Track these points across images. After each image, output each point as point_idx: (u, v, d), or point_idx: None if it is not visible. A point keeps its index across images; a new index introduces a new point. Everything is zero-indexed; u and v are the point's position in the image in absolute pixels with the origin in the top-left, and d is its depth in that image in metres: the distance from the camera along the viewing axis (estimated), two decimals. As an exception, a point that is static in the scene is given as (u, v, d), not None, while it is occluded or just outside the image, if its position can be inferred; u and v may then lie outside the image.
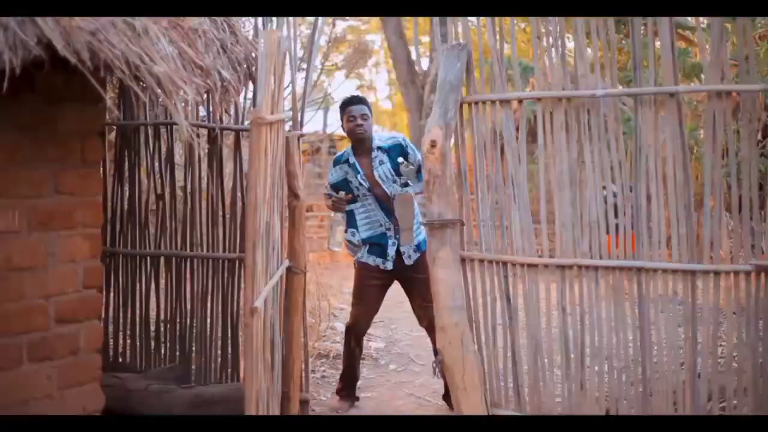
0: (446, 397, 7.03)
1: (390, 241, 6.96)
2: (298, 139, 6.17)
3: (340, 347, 9.02)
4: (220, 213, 6.76)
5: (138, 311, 7.01)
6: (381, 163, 6.93)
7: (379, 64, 26.60)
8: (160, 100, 6.47)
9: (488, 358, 5.88)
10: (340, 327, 9.95)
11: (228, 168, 7.13)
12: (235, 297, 6.76)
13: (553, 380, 5.77)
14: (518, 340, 5.81)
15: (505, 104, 5.68)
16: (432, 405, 7.30)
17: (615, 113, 5.48)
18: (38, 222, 4.85)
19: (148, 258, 6.94)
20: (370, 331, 10.09)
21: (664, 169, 5.32)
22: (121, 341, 7.02)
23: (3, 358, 4.67)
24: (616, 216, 5.48)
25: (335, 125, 18.91)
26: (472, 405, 5.69)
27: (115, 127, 7.06)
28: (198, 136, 6.63)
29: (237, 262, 6.68)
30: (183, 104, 4.32)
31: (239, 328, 6.82)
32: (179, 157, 7.17)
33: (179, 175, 6.99)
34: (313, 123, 19.99)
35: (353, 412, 7.09)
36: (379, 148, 6.94)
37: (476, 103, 5.77)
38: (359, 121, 6.89)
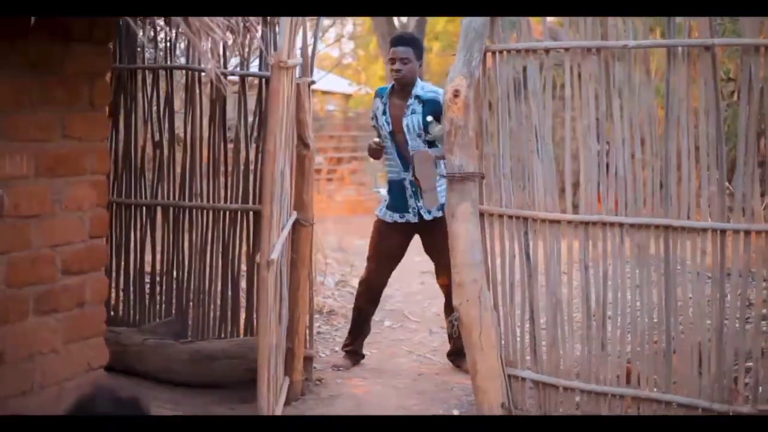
0: (451, 355, 6.93)
1: (408, 192, 6.66)
2: (309, 86, 5.94)
3: (332, 303, 8.86)
4: (222, 162, 6.51)
5: (132, 263, 6.78)
6: (413, 112, 6.56)
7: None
8: (182, 39, 6.29)
9: (505, 316, 5.72)
10: (329, 283, 9.78)
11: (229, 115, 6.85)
12: (237, 249, 6.55)
13: (573, 340, 5.62)
14: (537, 299, 5.65)
15: (531, 53, 5.48)
16: (435, 363, 7.16)
17: (646, 65, 5.29)
18: (45, 167, 4.63)
19: (144, 208, 6.71)
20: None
21: (696, 125, 5.15)
22: (114, 294, 6.77)
23: (10, 310, 4.47)
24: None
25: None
26: (488, 364, 5.57)
27: (110, 71, 6.78)
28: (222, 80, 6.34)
29: (239, 212, 6.46)
30: (211, 44, 4.05)
31: (239, 281, 6.62)
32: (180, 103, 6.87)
33: (178, 122, 6.72)
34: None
35: (356, 370, 6.90)
36: (417, 96, 6.57)
37: (501, 51, 5.56)
38: (398, 65, 6.53)
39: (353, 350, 7.03)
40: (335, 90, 24.36)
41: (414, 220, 6.67)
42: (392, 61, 6.54)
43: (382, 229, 6.80)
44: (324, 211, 16.30)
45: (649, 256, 5.33)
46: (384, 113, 6.64)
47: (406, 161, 6.54)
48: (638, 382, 5.39)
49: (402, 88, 6.59)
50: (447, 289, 6.40)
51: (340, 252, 11.82)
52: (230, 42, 5.69)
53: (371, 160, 7.13)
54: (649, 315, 5.38)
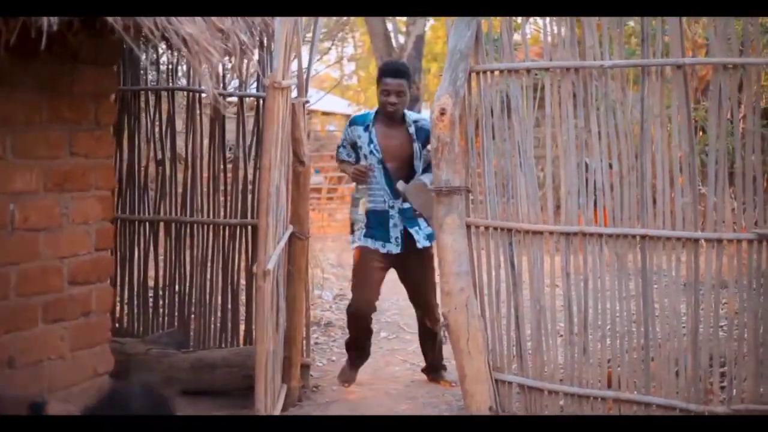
0: (425, 370, 7.13)
1: (392, 222, 6.55)
2: (304, 106, 6.21)
3: (330, 315, 9.12)
4: (222, 178, 6.78)
5: (136, 276, 7.03)
6: (417, 138, 6.52)
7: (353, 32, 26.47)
8: (174, 65, 6.56)
9: (491, 323, 5.98)
10: (327, 296, 10.04)
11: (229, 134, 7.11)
12: (236, 262, 6.81)
13: (556, 346, 5.86)
14: (522, 307, 5.91)
15: (513, 73, 5.76)
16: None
17: (622, 84, 5.56)
18: (54, 183, 4.90)
19: (147, 223, 6.97)
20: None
21: (669, 140, 5.42)
22: (119, 306, 7.02)
23: (20, 318, 4.72)
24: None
25: (314, 100, 18.99)
26: (475, 369, 5.82)
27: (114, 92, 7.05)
28: (221, 100, 6.57)
29: (238, 227, 6.73)
30: (209, 67, 4.32)
31: (239, 293, 6.87)
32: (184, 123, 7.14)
33: (180, 141, 7.00)
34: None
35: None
36: (415, 122, 6.56)
37: (485, 72, 5.84)
38: (393, 98, 6.46)
39: (355, 368, 7.00)
40: (336, 111, 24.65)
41: (396, 250, 6.58)
42: (386, 93, 6.45)
43: (364, 257, 6.62)
44: (324, 230, 16.57)
45: (628, 265, 5.58)
46: (369, 143, 6.54)
47: (395, 190, 6.48)
48: (619, 385, 5.64)
49: (390, 116, 6.53)
50: (424, 319, 6.91)
51: (339, 268, 12.09)
52: (228, 65, 5.99)
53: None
54: (629, 321, 5.64)
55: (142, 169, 6.97)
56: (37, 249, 4.82)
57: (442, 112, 5.66)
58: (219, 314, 6.89)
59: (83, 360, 5.14)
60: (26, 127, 4.72)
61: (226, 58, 4.79)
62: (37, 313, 4.85)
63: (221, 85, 6.65)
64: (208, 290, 6.88)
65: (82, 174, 5.08)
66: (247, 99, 6.87)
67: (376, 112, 6.62)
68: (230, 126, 6.95)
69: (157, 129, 6.93)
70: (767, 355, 5.33)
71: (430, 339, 6.97)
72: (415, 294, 6.83)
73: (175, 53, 6.62)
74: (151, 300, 7.08)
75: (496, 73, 5.83)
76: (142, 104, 6.91)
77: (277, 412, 5.77)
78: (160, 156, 6.93)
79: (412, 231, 6.54)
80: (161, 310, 7.03)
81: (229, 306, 6.87)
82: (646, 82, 5.44)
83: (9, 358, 4.65)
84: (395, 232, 6.55)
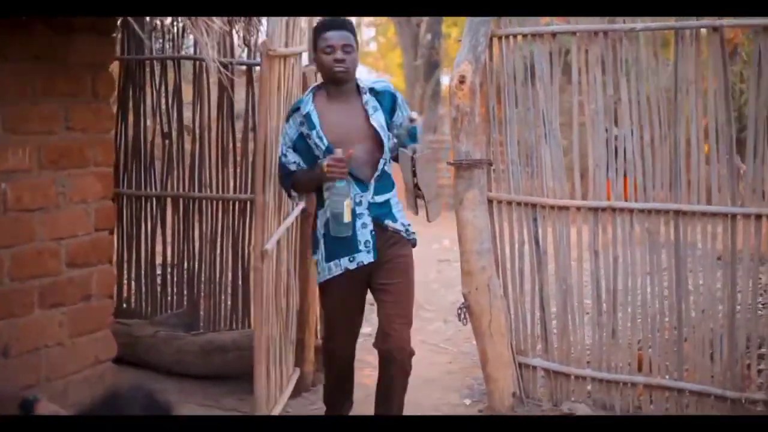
0: None
1: (359, 222, 4.78)
2: (316, 75, 5.91)
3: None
4: (231, 152, 6.52)
5: (143, 254, 6.80)
6: (375, 109, 4.84)
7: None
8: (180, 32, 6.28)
9: (515, 304, 5.72)
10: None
11: (239, 105, 6.85)
12: (246, 239, 6.55)
13: (583, 327, 5.60)
14: (547, 286, 5.63)
15: (538, 38, 5.46)
16: (447, 352, 7.16)
17: (654, 48, 5.25)
18: (49, 160, 4.69)
19: (154, 199, 6.72)
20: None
21: (704, 108, 5.11)
22: (125, 286, 6.81)
23: (15, 303, 4.52)
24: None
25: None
26: (497, 352, 5.57)
27: (118, 63, 6.77)
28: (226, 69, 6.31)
29: (248, 203, 6.46)
30: (208, 34, 4.05)
31: (250, 272, 6.61)
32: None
33: (187, 112, 6.73)
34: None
35: (369, 360, 6.88)
36: (371, 90, 4.88)
37: (507, 36, 5.54)
38: (339, 54, 4.74)
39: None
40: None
41: (368, 259, 4.81)
42: (330, 49, 4.75)
43: (332, 291, 4.96)
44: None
45: (660, 241, 5.29)
46: (312, 129, 4.78)
47: (360, 180, 4.78)
48: (650, 369, 5.36)
49: (337, 87, 4.84)
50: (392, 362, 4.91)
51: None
52: (235, 32, 5.71)
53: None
54: (660, 301, 5.36)
55: (148, 142, 6.72)
56: (32, 230, 4.61)
57: (462, 80, 5.38)
58: (230, 294, 6.66)
59: (84, 347, 4.94)
60: (18, 99, 4.50)
61: (228, 25, 4.52)
62: (34, 298, 4.65)
63: (229, 53, 6.35)
64: (218, 268, 6.64)
65: (79, 150, 4.86)
66: (256, 68, 6.57)
67: (315, 88, 4.95)
68: (239, 96, 6.67)
69: (163, 100, 6.68)
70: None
71: (388, 393, 5.01)
72: (385, 312, 4.89)
73: (181, 21, 6.36)
74: (158, 279, 6.85)
75: (519, 37, 5.55)
76: (147, 74, 6.64)
77: (284, 398, 5.56)
78: (166, 129, 6.68)
79: (386, 222, 4.85)
80: (169, 290, 6.81)
81: (240, 285, 6.62)
82: (680, 46, 5.13)
83: (4, 347, 4.46)
84: (364, 235, 4.80)
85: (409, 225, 4.92)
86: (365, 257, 4.81)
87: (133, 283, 6.84)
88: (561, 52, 5.51)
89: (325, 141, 4.74)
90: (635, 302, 5.39)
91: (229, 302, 6.66)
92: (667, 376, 5.33)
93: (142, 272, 6.81)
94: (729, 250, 5.10)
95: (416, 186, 4.78)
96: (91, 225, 4.95)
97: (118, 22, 5.56)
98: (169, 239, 6.80)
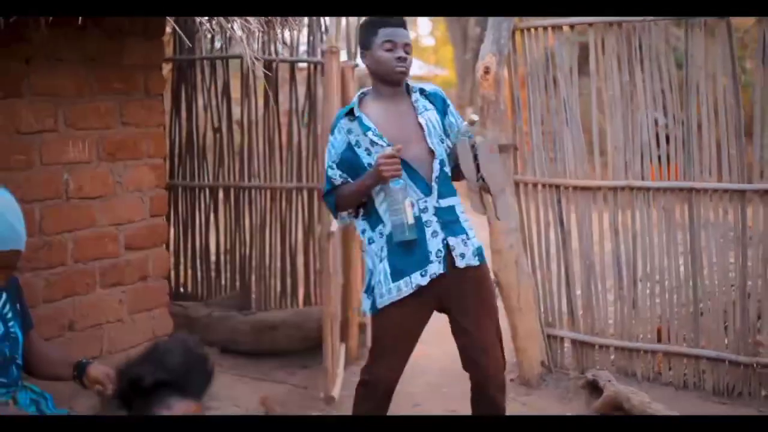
0: None
1: (429, 230, 4.20)
2: (353, 70, 6.29)
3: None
4: (277, 143, 6.91)
5: (198, 242, 7.20)
6: (425, 108, 4.39)
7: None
8: (227, 34, 6.70)
9: (542, 280, 6.05)
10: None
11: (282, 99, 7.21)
12: (293, 226, 6.93)
13: (606, 302, 5.91)
14: (572, 263, 5.96)
15: (557, 30, 5.79)
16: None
17: (666, 37, 5.55)
18: (106, 152, 5.06)
19: (207, 189, 7.13)
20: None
21: (714, 93, 5.40)
22: (182, 272, 7.22)
23: (78, 283, 4.90)
24: (665, 143, 5.59)
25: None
26: (527, 325, 5.90)
27: (171, 63, 7.18)
28: (263, 66, 6.65)
29: (294, 191, 6.85)
30: (246, 34, 4.45)
31: (297, 256, 6.99)
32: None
33: (236, 108, 7.13)
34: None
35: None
36: (421, 90, 4.45)
37: (528, 29, 5.87)
38: (401, 53, 4.29)
39: None
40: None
41: (440, 270, 4.18)
42: (392, 46, 4.29)
43: (393, 315, 4.27)
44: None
45: (676, 219, 5.59)
46: (365, 131, 4.29)
47: (423, 181, 4.25)
48: (668, 338, 5.67)
49: (389, 87, 4.38)
50: (481, 375, 4.38)
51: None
52: (278, 32, 6.08)
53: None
54: (677, 275, 5.66)
55: (201, 137, 7.11)
56: (92, 216, 4.98)
57: (487, 71, 5.72)
58: (278, 276, 7.04)
59: (142, 323, 5.30)
60: (77, 98, 4.87)
61: (265, 26, 4.89)
62: (95, 278, 5.02)
63: (273, 52, 6.74)
64: (267, 253, 7.03)
65: (133, 143, 5.23)
66: (299, 65, 6.95)
67: (361, 95, 4.48)
68: (283, 92, 7.04)
69: (213, 97, 7.05)
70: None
71: (491, 406, 4.44)
72: (467, 341, 4.36)
73: (229, 23, 6.73)
74: (212, 264, 7.23)
75: (540, 30, 5.86)
76: (198, 73, 7.04)
77: (341, 371, 5.94)
78: (217, 123, 7.06)
79: (453, 242, 4.22)
80: (222, 274, 7.19)
81: (288, 268, 7.00)
82: (690, 35, 5.42)
83: (69, 322, 4.84)
84: (435, 244, 4.21)
85: (476, 239, 4.33)
86: (437, 268, 4.18)
87: (189, 268, 7.23)
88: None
89: (384, 139, 4.24)
90: (654, 277, 5.71)
91: (278, 284, 7.04)
92: (684, 345, 5.63)
93: (197, 258, 7.21)
94: (740, 225, 5.40)
95: (480, 179, 4.24)
96: (146, 212, 5.33)
97: (168, 27, 5.95)
98: (221, 227, 7.17)
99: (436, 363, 6.57)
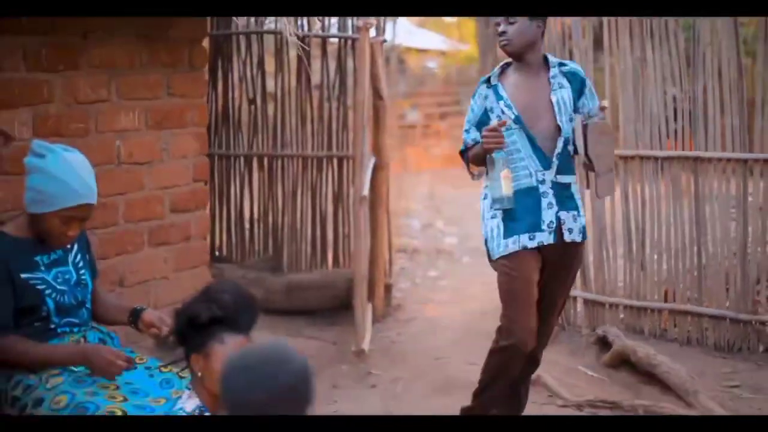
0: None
1: (545, 201, 4.52)
2: (381, 45, 6.68)
3: (416, 243, 9.63)
4: (309, 115, 7.30)
5: (234, 208, 7.60)
6: (560, 86, 4.60)
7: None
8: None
9: (556, 242, 6.45)
10: (415, 225, 10.58)
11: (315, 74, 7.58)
12: (323, 193, 7.34)
13: (616, 264, 6.32)
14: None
15: None
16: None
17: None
18: (154, 121, 5.46)
19: (242, 158, 7.51)
20: (443, 227, 10.79)
21: (719, 67, 5.77)
22: (218, 236, 7.62)
23: (128, 242, 5.33)
24: (675, 120, 5.97)
25: (404, 36, 19.24)
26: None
27: (208, 37, 7.54)
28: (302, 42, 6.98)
29: (325, 160, 7.25)
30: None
31: (327, 221, 7.38)
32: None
33: (269, 80, 7.50)
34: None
35: (433, 297, 7.64)
36: (561, 64, 4.67)
37: None
38: (501, 27, 4.53)
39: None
40: (431, 47, 24.82)
41: (549, 240, 4.52)
42: (496, 24, 4.59)
43: (513, 268, 4.58)
44: (420, 165, 17.05)
45: (681, 186, 5.98)
46: (498, 100, 4.59)
47: (543, 155, 4.53)
48: (674, 298, 6.08)
49: (520, 59, 4.58)
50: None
51: (430, 199, 12.59)
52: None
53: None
54: (683, 240, 6.05)
55: (236, 108, 7.48)
56: (140, 181, 5.39)
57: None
58: (309, 240, 7.43)
59: (185, 280, 5.67)
60: (128, 70, 5.26)
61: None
62: (143, 237, 5.44)
63: (306, 27, 7.11)
64: (298, 219, 7.41)
65: (179, 113, 5.62)
66: (330, 40, 7.33)
67: (504, 64, 4.74)
68: (315, 66, 7.42)
69: (248, 70, 7.41)
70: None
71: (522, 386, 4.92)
72: (545, 302, 4.68)
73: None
74: (247, 229, 7.63)
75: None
76: (234, 47, 7.42)
77: (369, 327, 6.39)
78: (251, 96, 7.43)
79: (564, 216, 4.55)
80: (256, 238, 7.58)
81: (318, 233, 7.40)
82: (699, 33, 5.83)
83: (120, 278, 5.27)
84: (549, 215, 4.52)
85: (584, 225, 4.67)
86: (546, 238, 4.51)
87: (224, 233, 7.63)
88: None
89: (514, 110, 4.52)
90: (661, 241, 6.10)
91: (308, 248, 7.43)
92: (688, 304, 6.03)
93: (233, 223, 7.60)
94: (741, 194, 5.79)
95: (587, 158, 4.47)
96: (189, 177, 5.73)
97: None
98: (255, 194, 7.56)
99: (456, 321, 7.00)
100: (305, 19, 7.06)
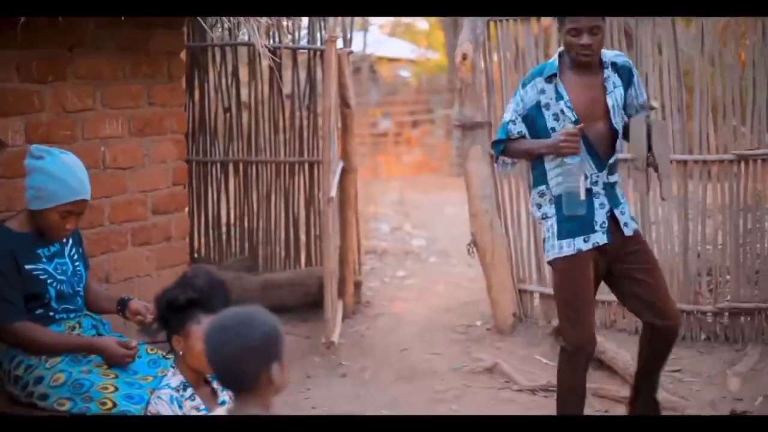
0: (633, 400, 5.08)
1: (597, 202, 4.59)
2: (348, 56, 7.10)
3: (385, 245, 10.07)
4: (281, 122, 7.70)
5: (211, 211, 7.96)
6: (615, 86, 4.63)
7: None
8: (236, 23, 7.48)
9: (514, 240, 6.92)
10: (384, 229, 11.02)
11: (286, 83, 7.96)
12: (296, 196, 7.73)
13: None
14: (540, 226, 6.78)
15: (525, 21, 6.61)
16: (467, 289, 8.35)
17: (618, 32, 6.37)
18: (136, 129, 5.82)
19: (218, 164, 7.89)
20: (411, 230, 11.23)
21: (660, 78, 6.23)
22: (196, 238, 7.96)
23: (113, 241, 5.69)
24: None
25: (374, 46, 19.67)
26: (500, 280, 6.77)
27: (185, 49, 7.91)
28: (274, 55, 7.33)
29: (297, 165, 7.65)
30: (257, 25, 5.26)
31: (299, 223, 7.77)
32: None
33: (243, 90, 7.90)
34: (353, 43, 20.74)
35: (400, 294, 8.08)
36: (613, 64, 4.66)
37: (501, 20, 6.72)
38: (585, 39, 4.47)
39: None
40: (402, 56, 25.22)
41: (603, 240, 4.61)
42: (575, 32, 4.47)
43: (569, 269, 4.66)
44: (391, 172, 17.48)
45: (629, 188, 6.39)
46: (559, 97, 4.58)
47: (599, 158, 4.59)
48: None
49: (584, 63, 4.58)
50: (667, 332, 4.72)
51: (399, 204, 13.05)
52: (284, 23, 6.87)
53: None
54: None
55: (212, 116, 7.85)
56: (124, 184, 5.74)
57: (464, 57, 6.57)
58: (282, 241, 7.82)
59: (166, 277, 5.89)
60: (112, 81, 5.63)
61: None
62: (127, 237, 5.80)
63: (277, 39, 7.51)
64: (272, 221, 7.80)
65: (159, 120, 5.98)
66: (300, 51, 7.75)
67: (560, 56, 4.68)
68: (286, 76, 7.83)
69: (223, 80, 7.80)
70: (746, 263, 6.25)
71: (661, 348, 4.84)
72: (643, 290, 4.70)
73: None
74: (224, 232, 8.01)
75: (511, 21, 6.69)
76: (209, 59, 7.80)
77: (339, 321, 6.78)
78: (227, 104, 7.80)
79: (617, 213, 4.66)
80: (233, 240, 7.96)
81: (291, 235, 7.79)
82: (639, 25, 6.27)
83: (105, 275, 5.63)
84: (601, 215, 4.61)
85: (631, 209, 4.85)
86: (600, 238, 4.59)
87: (203, 235, 8.00)
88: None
89: (573, 114, 4.53)
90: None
91: (282, 250, 7.82)
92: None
93: (210, 226, 7.98)
94: (683, 193, 6.25)
95: (649, 157, 4.49)
96: (169, 180, 6.10)
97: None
98: (231, 198, 7.95)
99: (420, 316, 7.44)
100: (277, 32, 7.44)
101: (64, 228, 4.21)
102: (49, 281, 4.19)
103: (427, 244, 10.54)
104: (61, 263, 4.28)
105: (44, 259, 4.20)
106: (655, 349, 4.77)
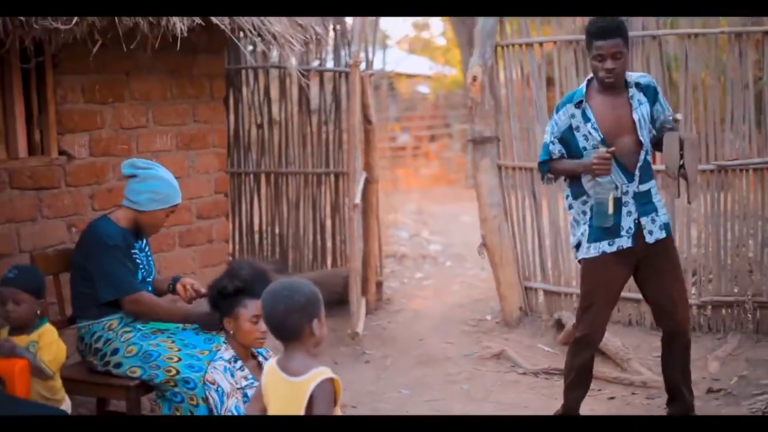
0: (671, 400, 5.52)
1: (625, 210, 5.11)
2: (370, 77, 7.82)
3: (404, 249, 10.79)
4: (309, 137, 8.39)
5: (245, 219, 8.60)
6: (640, 103, 5.14)
7: None
8: (272, 48, 8.21)
9: (520, 242, 7.64)
10: (403, 235, 11.75)
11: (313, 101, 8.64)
12: (322, 204, 8.40)
13: (570, 259, 7.42)
14: (543, 228, 7.52)
15: (528, 46, 7.34)
16: (480, 288, 9.06)
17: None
18: (183, 143, 6.54)
19: (252, 175, 8.54)
20: (429, 236, 11.95)
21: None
22: (230, 244, 8.47)
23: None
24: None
25: (394, 64, 20.26)
26: (507, 277, 7.48)
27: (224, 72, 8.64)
28: (304, 76, 7.70)
29: (323, 175, 8.35)
30: (290, 51, 6.02)
31: (326, 229, 8.47)
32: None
33: (274, 108, 8.57)
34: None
35: (419, 293, 8.78)
36: (637, 84, 5.17)
37: (507, 46, 7.45)
38: (609, 64, 5.00)
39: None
40: (421, 73, 25.60)
41: (628, 244, 5.13)
42: (600, 57, 5.00)
43: (594, 269, 5.23)
44: (410, 184, 18.11)
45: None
46: (586, 119, 5.12)
47: (628, 171, 5.10)
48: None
49: (609, 86, 5.10)
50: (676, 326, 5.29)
51: (417, 214, 13.78)
52: (312, 48, 7.59)
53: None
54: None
55: (246, 132, 8.50)
56: (173, 192, 6.46)
57: (474, 79, 7.29)
58: (310, 246, 8.48)
59: (209, 275, 6.37)
60: (162, 102, 6.35)
61: (302, 44, 6.38)
62: (175, 239, 6.51)
63: (306, 62, 8.23)
64: (301, 227, 8.45)
65: (203, 136, 6.68)
66: (326, 73, 8.46)
67: (588, 82, 5.25)
68: (313, 94, 8.52)
69: (256, 99, 8.45)
70: (727, 260, 6.94)
71: (673, 350, 5.37)
72: (660, 297, 5.27)
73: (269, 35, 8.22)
74: (256, 237, 8.63)
75: (516, 46, 7.42)
76: (244, 80, 8.46)
77: (363, 314, 7.46)
78: (259, 121, 8.46)
79: (644, 221, 5.14)
80: (265, 245, 8.60)
81: (318, 240, 8.46)
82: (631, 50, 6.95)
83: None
84: (628, 222, 5.12)
85: (665, 216, 5.24)
86: (624, 242, 5.11)
87: (237, 241, 8.62)
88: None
89: (600, 134, 5.05)
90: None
91: (309, 253, 8.49)
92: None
93: (244, 232, 8.62)
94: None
95: (681, 167, 4.95)
96: (212, 189, 6.80)
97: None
98: (263, 206, 8.56)
99: (437, 312, 8.18)
100: (305, 55, 8.15)
101: (162, 225, 5.07)
102: (141, 267, 4.99)
103: (443, 249, 11.27)
104: (143, 256, 5.07)
105: (136, 251, 5.00)
106: (666, 351, 5.35)
